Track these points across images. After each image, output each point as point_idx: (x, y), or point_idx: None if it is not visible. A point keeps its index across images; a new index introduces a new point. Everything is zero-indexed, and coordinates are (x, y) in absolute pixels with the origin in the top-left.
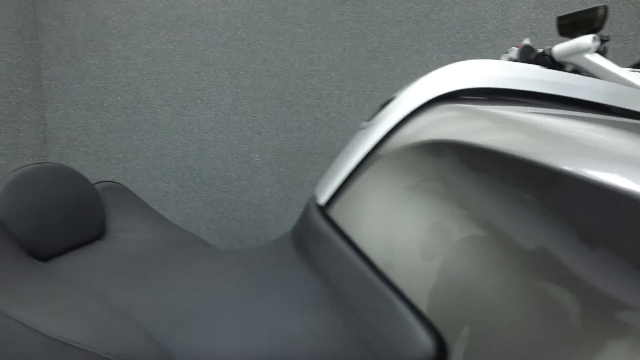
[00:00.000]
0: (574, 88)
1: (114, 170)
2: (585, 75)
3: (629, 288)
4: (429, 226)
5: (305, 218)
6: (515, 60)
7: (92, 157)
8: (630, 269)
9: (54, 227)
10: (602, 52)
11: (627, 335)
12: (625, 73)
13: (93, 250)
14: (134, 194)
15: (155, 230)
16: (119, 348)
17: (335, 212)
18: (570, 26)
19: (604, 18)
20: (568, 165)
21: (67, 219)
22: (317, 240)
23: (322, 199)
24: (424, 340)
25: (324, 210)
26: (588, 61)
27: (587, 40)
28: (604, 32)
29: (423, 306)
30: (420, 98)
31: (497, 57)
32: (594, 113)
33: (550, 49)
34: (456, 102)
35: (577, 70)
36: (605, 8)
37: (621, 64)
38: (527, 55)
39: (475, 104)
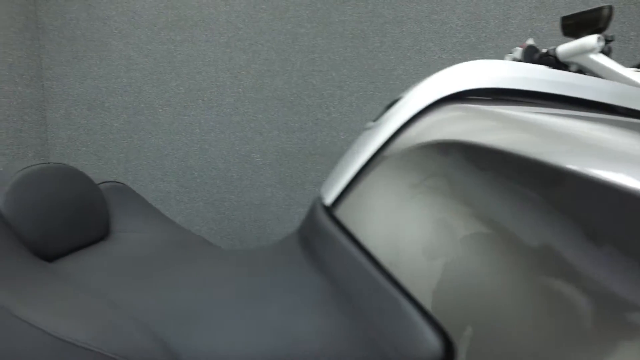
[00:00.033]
0: (580, 88)
1: (115, 171)
2: (590, 76)
3: (636, 287)
4: (435, 226)
5: (311, 218)
6: (519, 61)
7: (93, 157)
8: (636, 267)
9: (60, 227)
10: (606, 52)
11: (635, 335)
12: (630, 73)
13: (98, 251)
14: (138, 194)
15: (160, 230)
16: (125, 348)
17: (341, 212)
18: (575, 26)
19: (609, 18)
20: (575, 164)
21: (72, 219)
22: (323, 240)
23: (329, 199)
24: (431, 340)
25: (330, 210)
26: (593, 61)
27: (591, 40)
28: (608, 32)
29: (430, 306)
30: (426, 98)
31: (499, 57)
32: (600, 113)
33: (554, 49)
34: (462, 103)
35: (581, 71)
36: (610, 8)
37: (623, 64)
38: (531, 56)
39: (482, 104)
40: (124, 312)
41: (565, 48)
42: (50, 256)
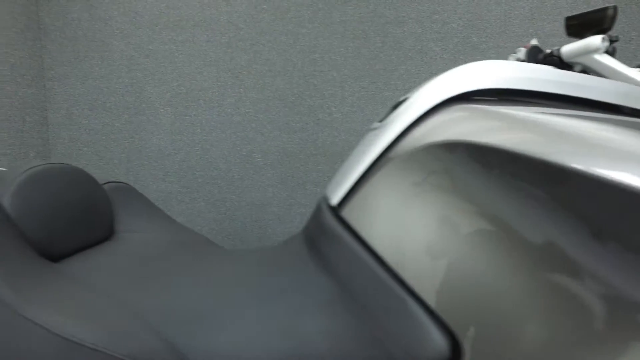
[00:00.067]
0: (585, 88)
1: (116, 171)
2: (594, 76)
3: None
4: (441, 225)
5: (316, 218)
6: (523, 61)
7: (95, 157)
8: None
9: (65, 227)
10: (611, 52)
11: None
12: (635, 73)
13: (103, 251)
14: (142, 194)
15: (164, 230)
16: (132, 348)
17: (347, 213)
18: (579, 27)
19: (614, 18)
20: (580, 164)
21: (77, 220)
22: (329, 240)
23: (335, 199)
24: (438, 340)
25: (336, 210)
26: (597, 61)
27: (596, 40)
28: (611, 32)
29: (436, 305)
30: (432, 99)
31: (500, 58)
32: (605, 113)
33: (558, 50)
34: (468, 103)
35: (585, 71)
36: (615, 8)
37: (625, 64)
38: (535, 56)
39: (488, 105)
40: (130, 313)
41: (570, 48)
42: (55, 256)
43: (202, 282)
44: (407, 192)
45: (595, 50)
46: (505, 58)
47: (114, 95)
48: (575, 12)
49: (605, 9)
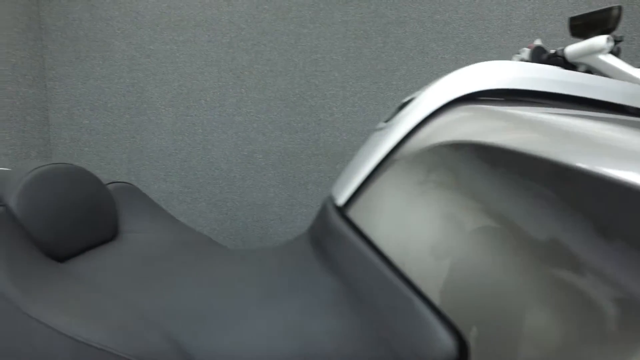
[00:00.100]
0: (590, 88)
1: (117, 171)
2: (599, 76)
3: None
4: (446, 224)
5: (322, 218)
6: (527, 61)
7: (96, 157)
8: None
9: (70, 227)
10: (615, 52)
11: None
12: (639, 73)
13: (108, 251)
14: (145, 194)
15: (168, 230)
16: (139, 348)
17: (353, 213)
18: (583, 27)
19: (618, 18)
20: (586, 163)
21: (82, 220)
22: (335, 240)
23: (341, 199)
24: (445, 340)
25: (342, 210)
26: (602, 62)
27: (601, 40)
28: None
29: (442, 305)
30: (439, 100)
31: (502, 58)
32: (610, 113)
33: (562, 50)
34: (474, 104)
35: (589, 71)
36: (620, 8)
37: (628, 64)
38: (539, 56)
39: (493, 105)
40: (136, 312)
41: (574, 48)
42: (61, 256)
43: (207, 281)
44: (414, 192)
45: (600, 51)
46: (507, 58)
47: (115, 96)
48: (576, 13)
49: (610, 9)
